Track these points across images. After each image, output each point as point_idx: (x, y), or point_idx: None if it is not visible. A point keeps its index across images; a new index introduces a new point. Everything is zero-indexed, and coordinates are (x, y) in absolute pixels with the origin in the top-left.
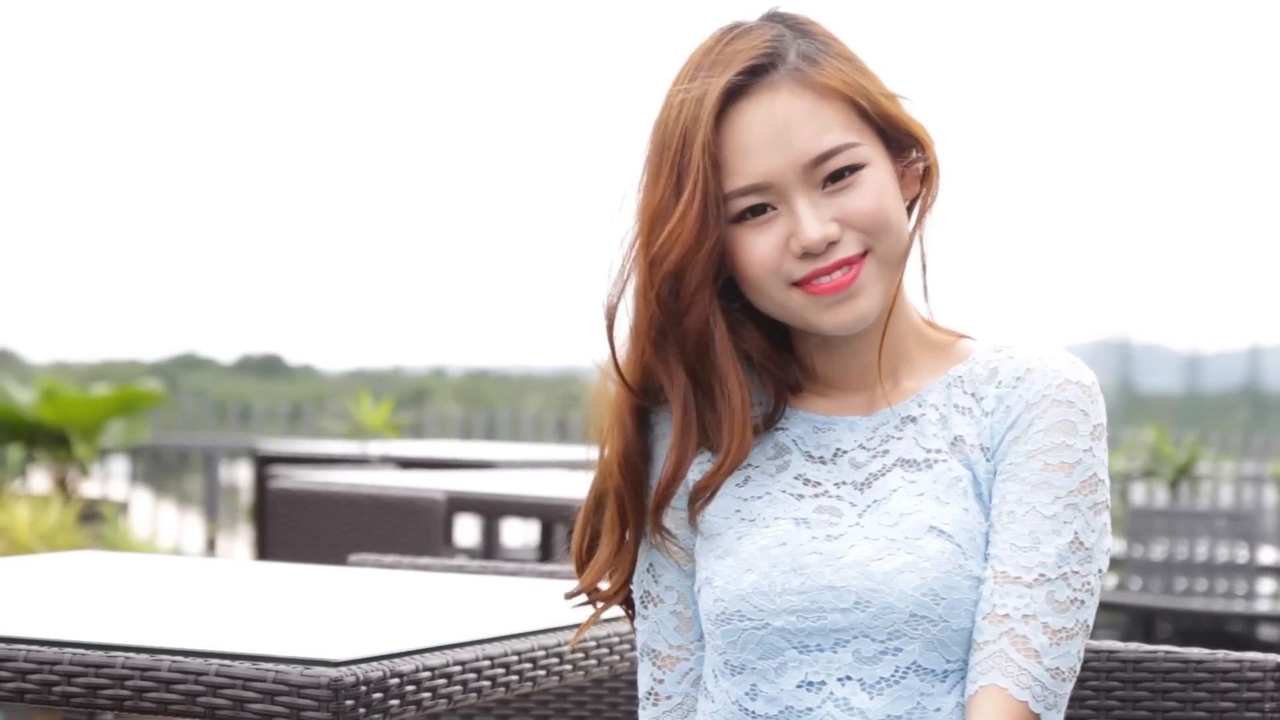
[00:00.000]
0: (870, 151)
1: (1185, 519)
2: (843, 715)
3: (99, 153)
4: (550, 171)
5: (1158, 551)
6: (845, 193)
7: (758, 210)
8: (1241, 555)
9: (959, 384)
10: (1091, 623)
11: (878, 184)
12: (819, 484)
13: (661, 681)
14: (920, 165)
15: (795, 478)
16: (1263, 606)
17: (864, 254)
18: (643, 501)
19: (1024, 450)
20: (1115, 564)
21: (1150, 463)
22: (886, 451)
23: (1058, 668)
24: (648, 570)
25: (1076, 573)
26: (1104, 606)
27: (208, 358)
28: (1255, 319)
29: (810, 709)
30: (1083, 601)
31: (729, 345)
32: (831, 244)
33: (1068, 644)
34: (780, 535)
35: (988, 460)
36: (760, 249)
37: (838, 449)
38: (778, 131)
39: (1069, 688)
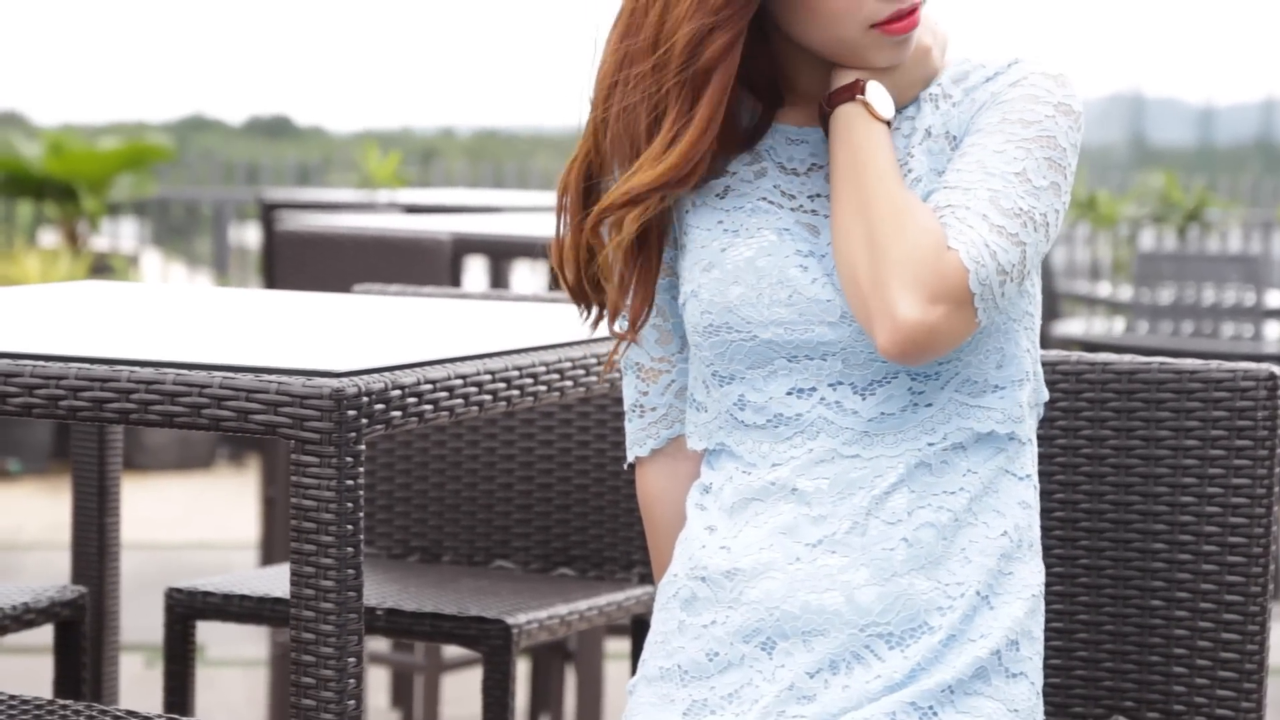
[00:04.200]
0: None
1: (1193, 263)
2: (834, 415)
3: None
4: None
5: (1165, 296)
6: None
7: None
8: (1249, 299)
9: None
10: (1030, 264)
11: None
12: (794, 197)
13: (646, 394)
14: None
15: (773, 187)
16: (1269, 349)
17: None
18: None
19: (984, 114)
20: (1122, 308)
21: (1159, 209)
22: None
23: (998, 257)
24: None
25: (1023, 197)
26: (1112, 350)
27: (216, 119)
28: (1270, 71)
29: (800, 414)
30: (1026, 226)
31: (724, 80)
32: None
33: (1010, 244)
34: (765, 246)
35: (952, 148)
36: None
37: (813, 163)
38: None
39: (1004, 290)
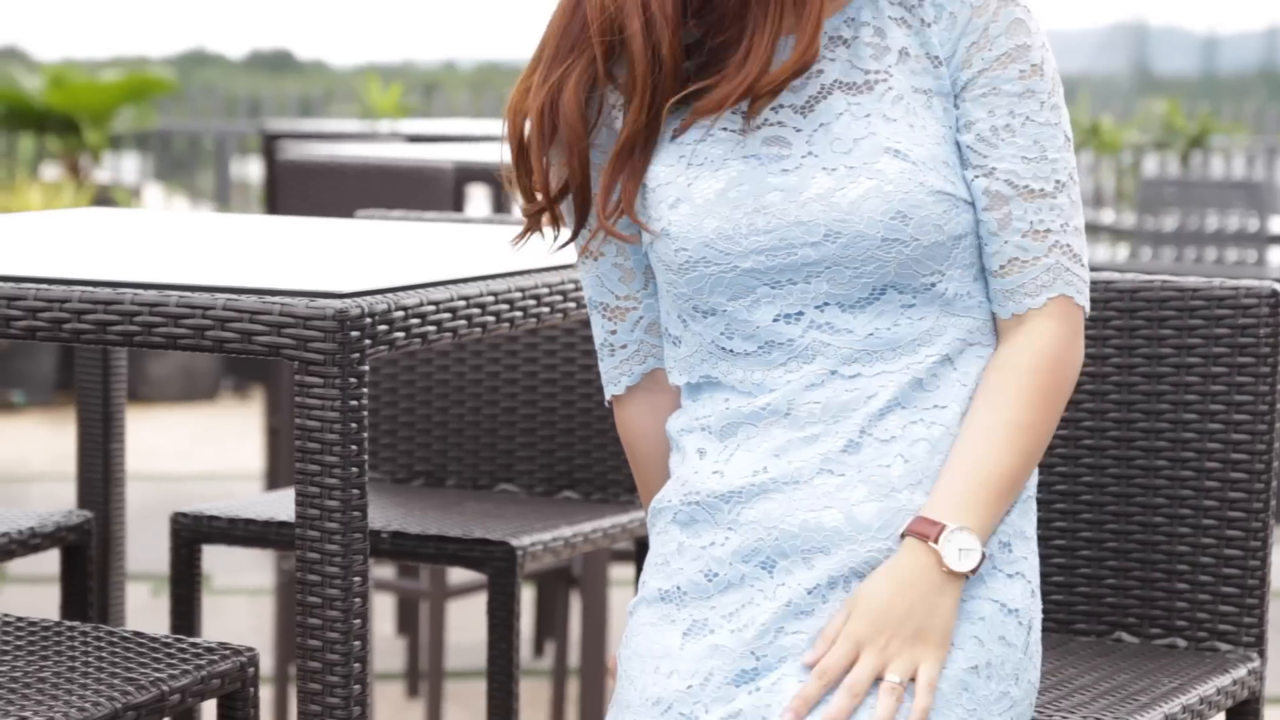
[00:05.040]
0: None
1: (1196, 189)
2: (828, 337)
3: None
4: None
5: (1168, 222)
6: None
7: None
8: (1252, 224)
9: None
10: None
11: None
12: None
13: (614, 332)
14: None
15: (731, 112)
16: (1272, 274)
17: None
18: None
19: (991, 56)
20: (1125, 234)
21: (1162, 135)
22: (821, 71)
23: (1087, 264)
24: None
25: (1074, 168)
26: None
27: (217, 54)
28: None
29: (792, 339)
30: (1079, 194)
31: None
32: None
33: (1084, 238)
34: (735, 176)
35: (935, 67)
36: None
37: None
38: None
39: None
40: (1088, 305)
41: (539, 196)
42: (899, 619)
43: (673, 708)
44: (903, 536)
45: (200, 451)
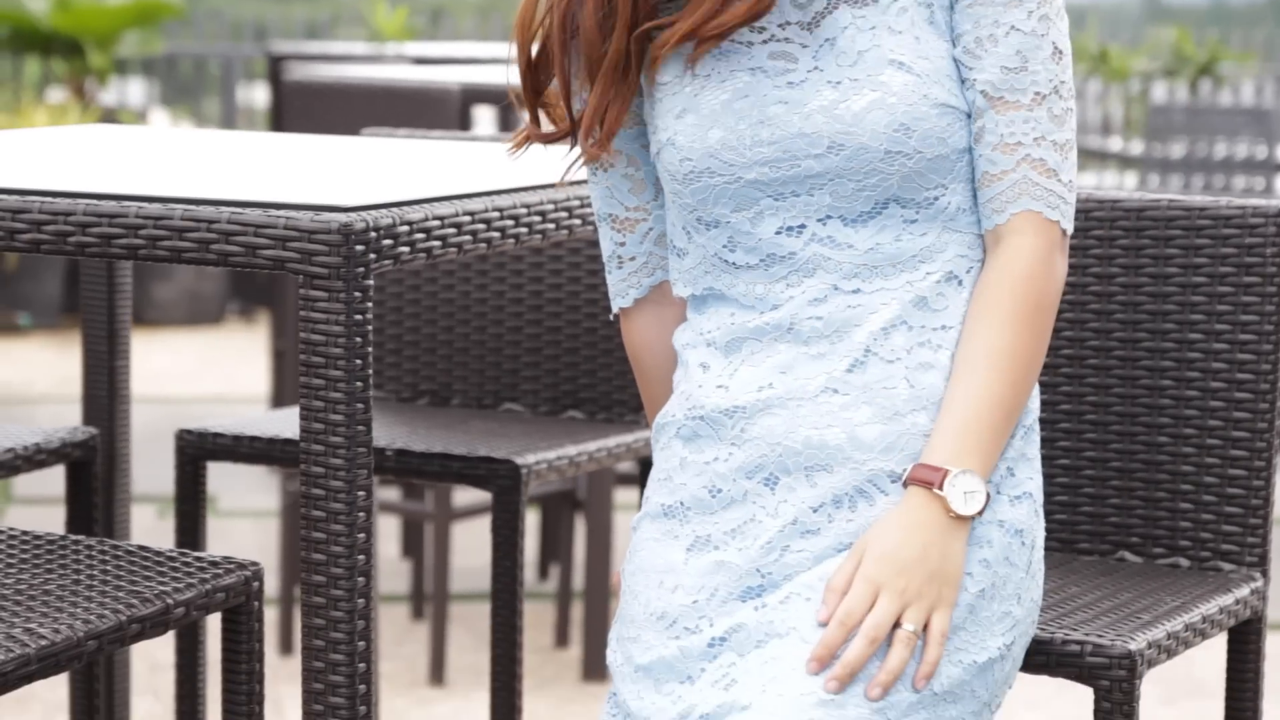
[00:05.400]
0: None
1: (1205, 116)
2: (829, 251)
3: None
4: None
5: (1176, 150)
6: None
7: None
8: (1260, 152)
9: None
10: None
11: None
12: (763, 29)
13: (623, 244)
14: None
15: (749, 29)
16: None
17: None
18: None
19: None
20: (1133, 162)
21: (1171, 63)
22: None
23: (1070, 180)
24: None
25: (1064, 81)
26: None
27: None
28: None
29: (793, 253)
30: (1071, 108)
31: None
32: None
33: (1070, 154)
34: (740, 87)
35: None
36: None
37: None
38: None
39: (1074, 197)
40: (1065, 221)
41: (560, 116)
42: (914, 559)
43: (677, 622)
44: (905, 485)
45: (206, 374)
